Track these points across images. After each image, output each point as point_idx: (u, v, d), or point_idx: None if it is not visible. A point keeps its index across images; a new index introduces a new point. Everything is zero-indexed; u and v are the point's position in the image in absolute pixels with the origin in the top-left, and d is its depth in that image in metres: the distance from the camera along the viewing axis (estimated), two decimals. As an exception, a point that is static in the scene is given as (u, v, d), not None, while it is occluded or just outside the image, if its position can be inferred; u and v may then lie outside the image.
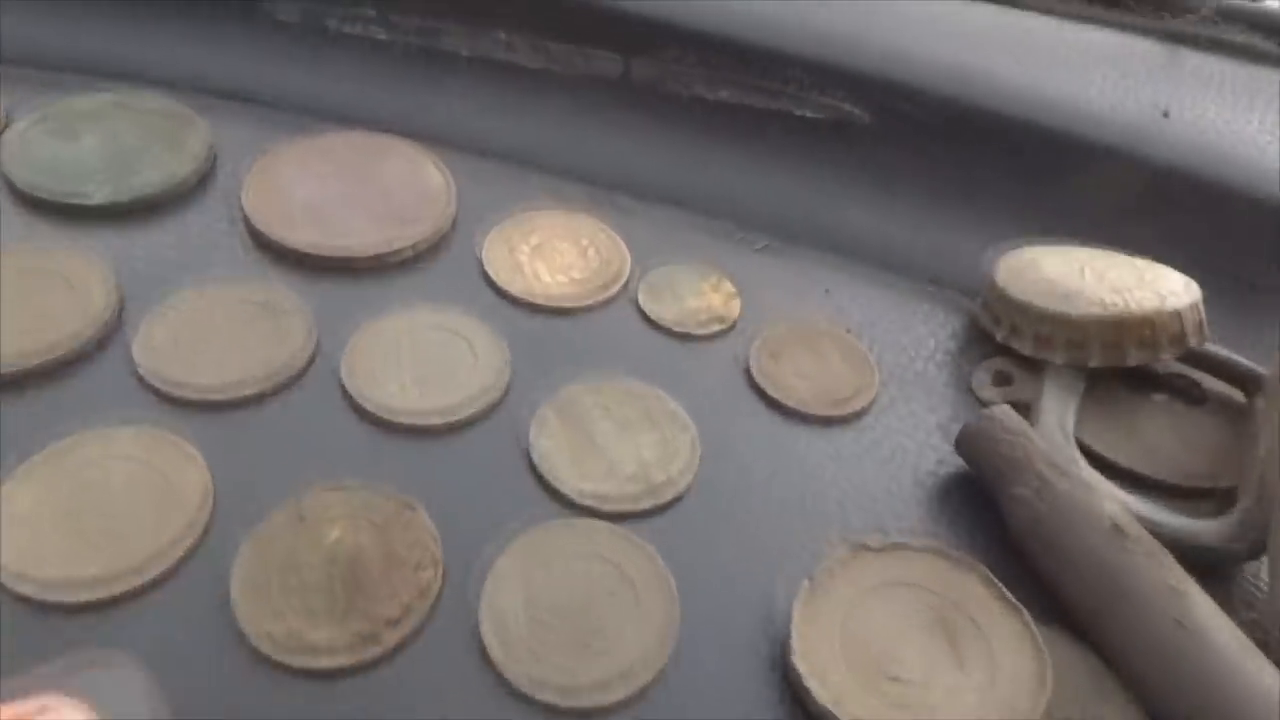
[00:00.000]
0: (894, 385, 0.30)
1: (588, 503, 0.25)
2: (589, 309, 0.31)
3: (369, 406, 0.27)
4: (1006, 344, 0.30)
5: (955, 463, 0.27)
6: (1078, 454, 0.26)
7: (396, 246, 0.31)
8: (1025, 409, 0.29)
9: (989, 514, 0.26)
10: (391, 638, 0.22)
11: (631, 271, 0.32)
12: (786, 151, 0.36)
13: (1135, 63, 0.35)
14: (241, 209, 0.31)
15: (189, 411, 0.26)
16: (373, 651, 0.22)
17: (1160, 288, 0.28)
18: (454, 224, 0.32)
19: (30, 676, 0.20)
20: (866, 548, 0.24)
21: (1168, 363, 0.29)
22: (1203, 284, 0.30)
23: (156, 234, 0.31)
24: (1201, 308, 0.29)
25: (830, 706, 0.21)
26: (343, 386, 0.27)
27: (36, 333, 0.27)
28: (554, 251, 0.32)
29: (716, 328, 0.30)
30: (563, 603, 0.23)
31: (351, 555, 0.23)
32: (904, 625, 0.23)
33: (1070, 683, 0.22)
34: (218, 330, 0.28)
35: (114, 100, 0.34)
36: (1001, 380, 0.29)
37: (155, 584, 0.22)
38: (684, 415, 0.27)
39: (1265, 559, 0.25)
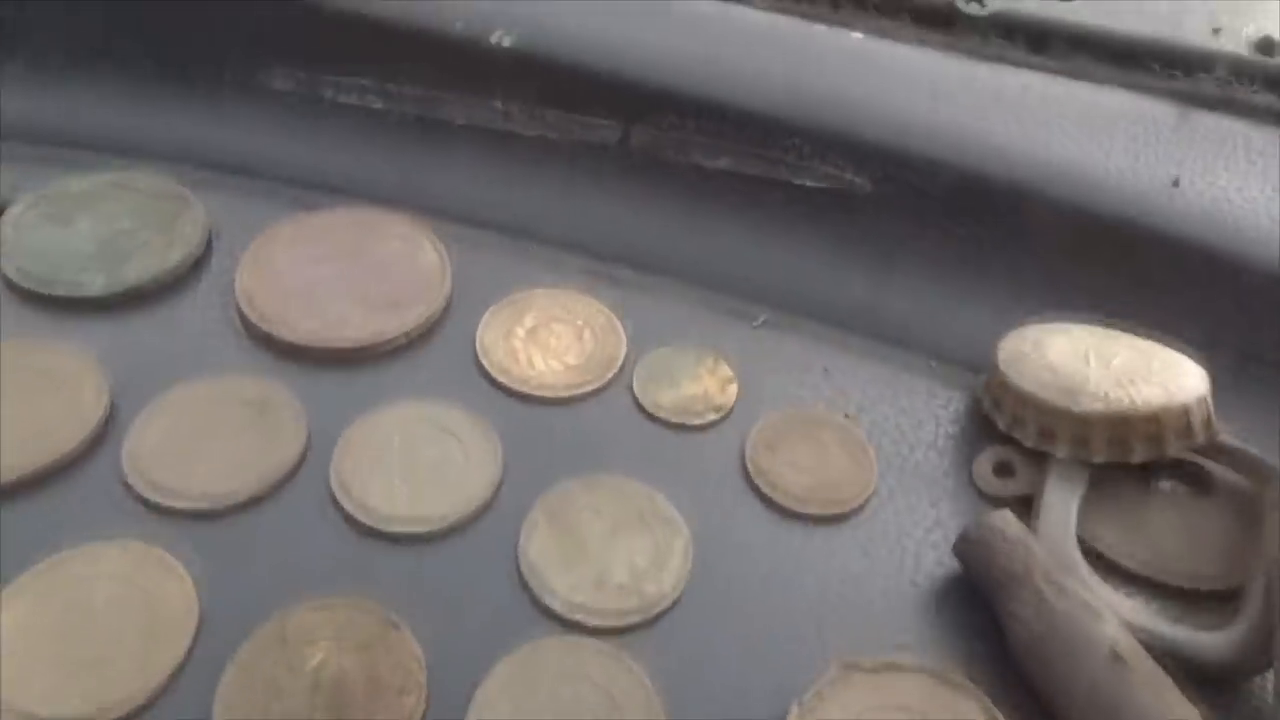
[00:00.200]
0: (893, 475, 0.29)
1: (577, 617, 0.25)
2: (584, 398, 0.30)
3: (357, 514, 0.26)
4: (1009, 433, 0.29)
5: (954, 564, 0.27)
6: (1080, 560, 0.25)
7: (390, 335, 0.30)
8: (1027, 502, 0.28)
9: (989, 622, 0.25)
10: (376, 768, 0.22)
11: (628, 355, 0.31)
12: (786, 221, 0.35)
13: (1146, 126, 0.34)
14: (235, 298, 0.31)
15: (177, 520, 0.26)
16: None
17: (1168, 379, 0.27)
18: (449, 305, 0.32)
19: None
20: (858, 668, 0.23)
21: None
22: (1212, 360, 0.30)
23: (149, 326, 0.30)
24: (1210, 401, 0.28)
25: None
26: (331, 491, 0.27)
27: (27, 440, 0.27)
28: (549, 335, 0.32)
29: (713, 417, 0.30)
30: (549, 729, 0.23)
31: (335, 680, 0.23)
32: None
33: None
34: (208, 431, 0.28)
35: (110, 181, 0.34)
36: (1003, 471, 0.29)
37: (137, 716, 0.22)
38: (677, 517, 0.27)
39: (1272, 673, 0.24)
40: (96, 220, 0.33)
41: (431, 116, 0.37)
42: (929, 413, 0.31)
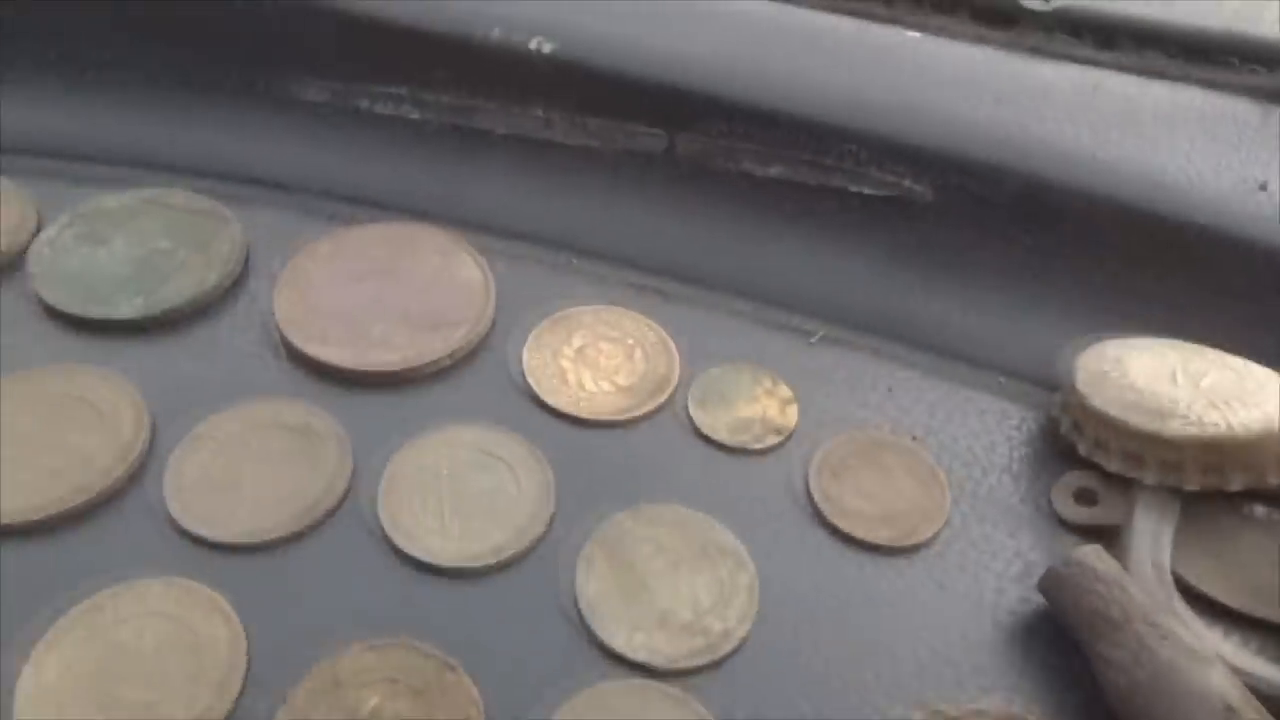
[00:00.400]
0: (966, 503, 0.27)
1: (640, 657, 0.23)
2: (636, 421, 0.29)
3: (407, 548, 0.25)
4: (1089, 458, 0.27)
5: (1038, 599, 0.25)
6: (1177, 597, 0.24)
7: (433, 357, 0.29)
8: (1112, 533, 0.26)
9: (1079, 664, 0.24)
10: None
11: (680, 374, 0.30)
12: (842, 231, 0.33)
13: (1227, 127, 0.32)
14: (273, 319, 0.30)
15: (221, 555, 0.25)
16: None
17: (1264, 400, 0.26)
18: (492, 324, 0.31)
19: None
20: (943, 715, 0.22)
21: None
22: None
23: (187, 349, 0.29)
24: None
25: None
26: (380, 524, 0.26)
27: (67, 471, 0.26)
28: (598, 354, 0.30)
29: (772, 440, 0.28)
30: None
31: (390, 729, 0.22)
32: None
33: None
34: (250, 460, 0.27)
35: (143, 198, 0.33)
36: (1085, 499, 0.27)
37: (186, 767, 0.21)
38: (740, 549, 0.26)
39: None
40: (132, 239, 0.32)
41: (469, 126, 0.36)
42: (1001, 434, 0.29)
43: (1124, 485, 0.27)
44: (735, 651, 0.24)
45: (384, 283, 0.32)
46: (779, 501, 0.27)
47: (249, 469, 0.26)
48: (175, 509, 0.25)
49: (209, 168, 0.36)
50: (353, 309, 0.31)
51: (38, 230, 0.32)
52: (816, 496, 0.27)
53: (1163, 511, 0.26)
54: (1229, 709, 0.20)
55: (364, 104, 0.36)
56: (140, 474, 0.26)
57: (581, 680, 0.23)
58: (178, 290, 0.30)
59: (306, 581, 0.25)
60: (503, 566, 0.25)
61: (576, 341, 0.31)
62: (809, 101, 0.34)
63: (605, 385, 0.30)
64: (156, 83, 0.36)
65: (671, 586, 0.25)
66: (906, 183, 0.33)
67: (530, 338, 0.31)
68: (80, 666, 0.23)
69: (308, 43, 0.36)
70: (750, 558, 0.25)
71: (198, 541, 0.25)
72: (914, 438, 0.29)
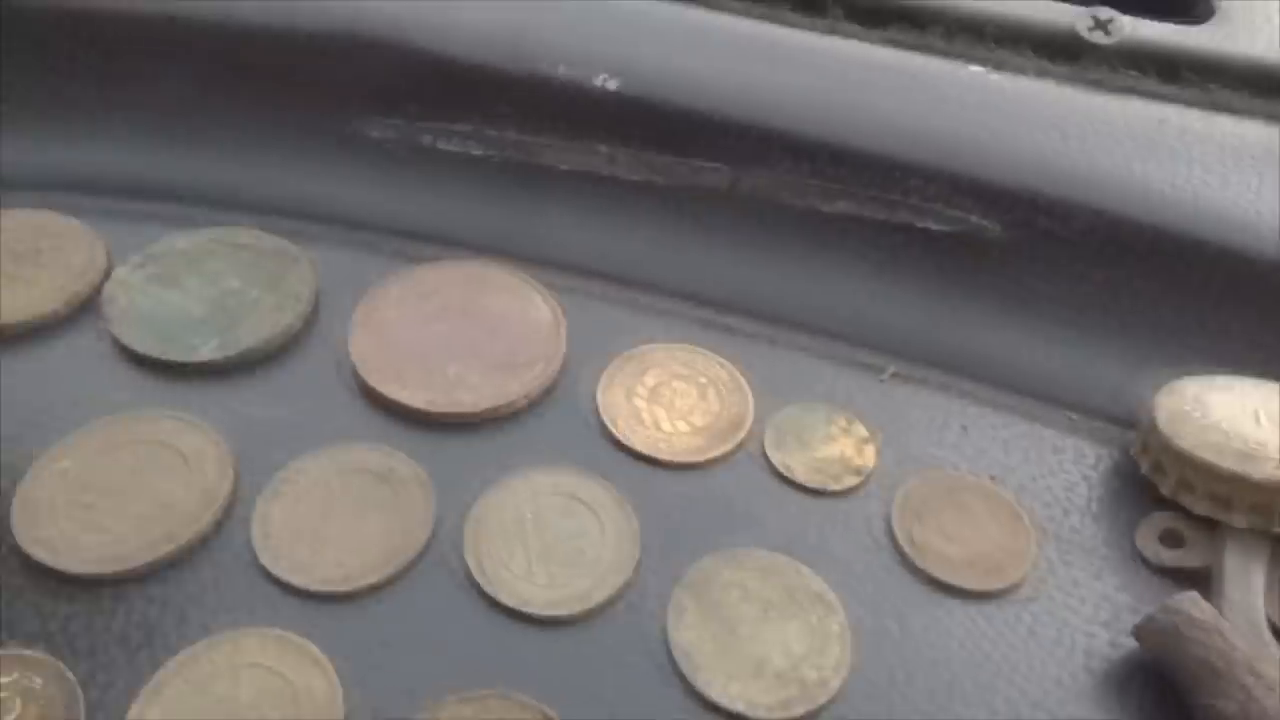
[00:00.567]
0: (1050, 545, 0.27)
1: (737, 707, 0.23)
2: (713, 462, 0.29)
3: (496, 596, 0.25)
4: (1173, 498, 0.27)
5: (1129, 644, 0.25)
6: (1275, 644, 0.24)
7: (510, 398, 0.29)
8: (1199, 575, 0.26)
9: (1179, 713, 0.24)
10: None
11: (754, 413, 0.30)
12: (909, 267, 0.33)
13: (1294, 161, 0.33)
14: (350, 361, 0.30)
15: (312, 604, 0.25)
16: None
17: (1352, 442, 0.26)
18: (564, 364, 0.31)
19: None
20: (1047, 766, 0.22)
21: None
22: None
23: (265, 392, 0.30)
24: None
25: None
26: (468, 571, 0.26)
27: (156, 520, 0.26)
28: (672, 394, 0.30)
29: (852, 481, 0.28)
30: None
31: (494, 784, 0.22)
32: None
33: None
34: (335, 505, 0.27)
35: (212, 238, 0.33)
36: (1171, 541, 0.27)
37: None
38: (829, 594, 0.26)
39: None
40: (204, 280, 0.32)
41: (533, 163, 0.36)
42: (1078, 474, 0.29)
43: (1210, 526, 0.27)
44: (831, 701, 0.24)
45: (456, 322, 0.32)
46: (862, 544, 0.27)
47: (334, 514, 0.27)
48: (265, 557, 0.25)
49: (272, 205, 0.36)
50: (427, 349, 0.31)
51: (107, 271, 0.33)
52: (900, 539, 0.27)
53: (1253, 554, 0.26)
54: (1345, 764, 0.20)
55: (428, 141, 0.36)
56: (226, 520, 0.26)
57: (679, 730, 0.23)
58: (253, 331, 0.31)
59: (397, 629, 0.25)
60: (592, 614, 0.25)
61: (650, 381, 0.31)
62: (874, 137, 0.34)
63: (681, 425, 0.30)
64: (220, 121, 0.36)
65: (763, 634, 0.25)
66: (975, 218, 0.33)
67: (603, 377, 0.31)
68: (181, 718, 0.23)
69: (372, 80, 0.36)
70: (839, 603, 0.26)
71: (288, 589, 0.25)
72: (992, 477, 0.29)
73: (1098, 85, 0.34)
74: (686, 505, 0.28)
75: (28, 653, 0.24)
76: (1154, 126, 0.34)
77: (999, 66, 0.35)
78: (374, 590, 0.25)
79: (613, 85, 0.35)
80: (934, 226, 0.33)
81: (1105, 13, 0.36)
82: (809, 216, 0.35)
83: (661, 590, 0.26)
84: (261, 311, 0.31)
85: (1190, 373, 0.30)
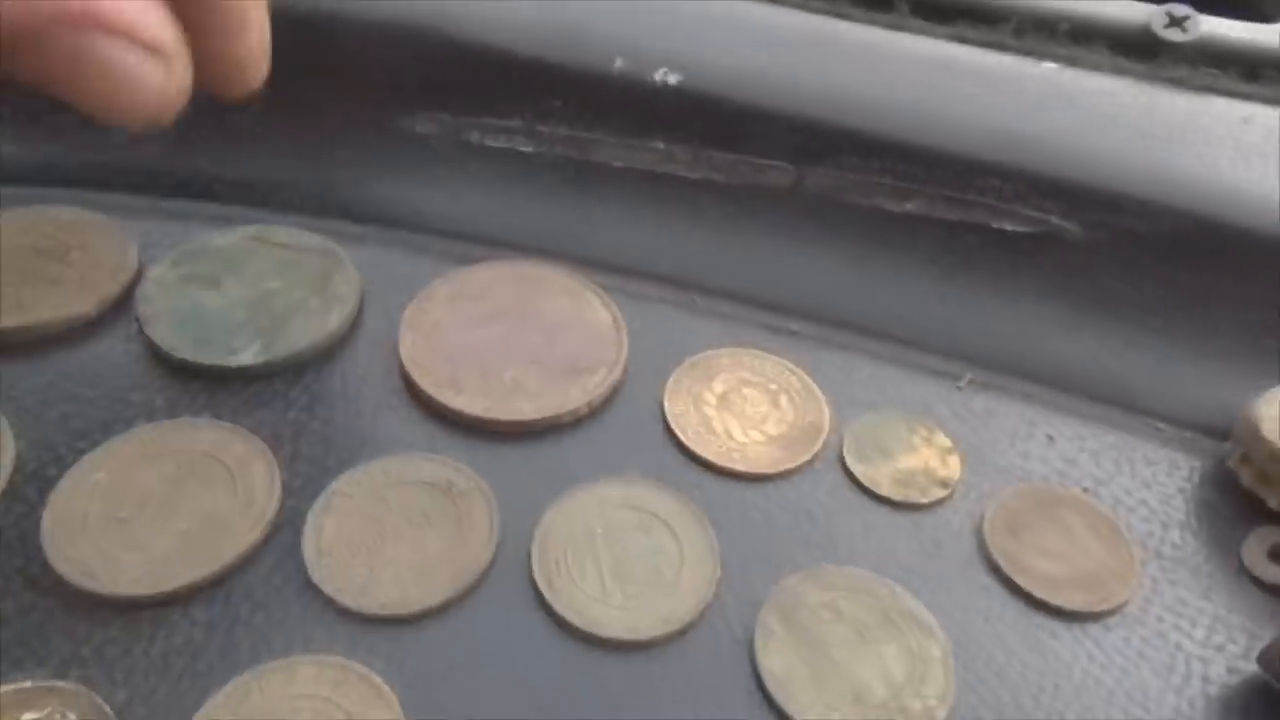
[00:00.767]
0: (1153, 563, 0.26)
1: (837, 740, 0.22)
2: (790, 474, 0.27)
3: (569, 618, 0.23)
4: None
5: (1245, 668, 0.24)
6: None
7: (572, 406, 0.28)
8: (1316, 595, 0.25)
9: (1309, 745, 0.22)
10: None
11: (830, 422, 0.29)
12: (984, 269, 0.32)
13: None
14: (400, 367, 0.29)
15: (371, 628, 0.23)
16: None
17: None
18: (626, 369, 0.30)
19: None
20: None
21: None
22: None
23: (311, 398, 0.28)
24: None
25: None
26: (537, 591, 0.24)
27: (201, 537, 0.24)
28: (743, 401, 0.29)
29: (939, 493, 0.27)
30: None
31: (582, 826, 0.20)
32: None
33: None
34: (392, 520, 0.25)
35: (250, 236, 0.31)
36: (1282, 558, 0.26)
37: None
38: (927, 616, 0.24)
39: None
40: (243, 280, 0.30)
41: (586, 160, 0.34)
42: (1173, 486, 0.28)
43: (1325, 544, 0.26)
44: (939, 732, 0.22)
45: (511, 325, 0.30)
46: (954, 561, 0.26)
47: (391, 530, 0.25)
48: (317, 576, 0.24)
49: (309, 203, 0.34)
50: (482, 354, 0.29)
51: (139, 271, 0.31)
52: (996, 555, 0.25)
53: (1377, 574, 0.24)
54: None
55: (474, 137, 0.35)
56: (275, 537, 0.25)
57: (776, 766, 0.22)
58: (298, 334, 0.29)
59: (463, 655, 0.23)
60: (672, 637, 0.23)
61: (718, 387, 0.29)
62: (948, 134, 0.32)
63: (755, 435, 0.28)
64: (254, 114, 0.35)
65: (860, 659, 0.23)
66: (1054, 219, 0.31)
67: (669, 384, 0.29)
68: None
69: (415, 73, 0.34)
70: (937, 625, 0.24)
71: (344, 612, 0.23)
72: (1084, 489, 0.28)
73: (1178, 83, 0.33)
74: (765, 520, 0.26)
75: (60, 684, 0.22)
76: (1239, 125, 0.32)
77: (1072, 64, 0.34)
78: (437, 612, 0.23)
79: (673, 80, 0.33)
80: (1010, 227, 0.32)
81: (1180, 9, 0.35)
82: (876, 216, 0.33)
83: (745, 611, 0.24)
84: (308, 313, 0.29)
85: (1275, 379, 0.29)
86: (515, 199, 0.34)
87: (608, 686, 0.23)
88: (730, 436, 0.28)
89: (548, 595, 0.24)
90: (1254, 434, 0.26)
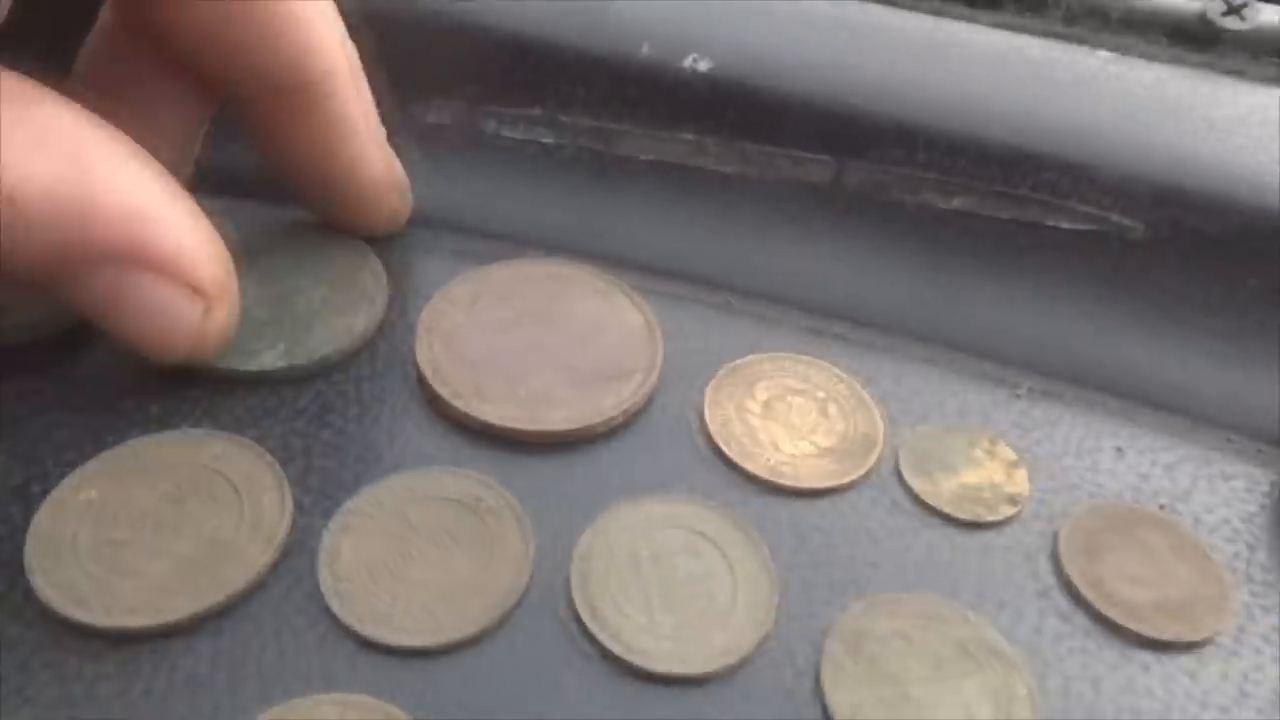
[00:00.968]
0: (1243, 587, 0.24)
1: (918, 787, 0.20)
2: (845, 489, 0.25)
3: (616, 650, 0.21)
4: (1380, 532, 0.24)
5: (1354, 702, 0.22)
6: None
7: (606, 415, 0.25)
8: None
9: None
10: None
11: (884, 433, 0.27)
12: (1039, 269, 0.30)
13: None
14: (418, 373, 0.26)
15: (396, 662, 0.21)
16: None
17: None
18: (660, 376, 0.27)
19: None
20: None
21: None
22: None
23: (324, 407, 0.25)
24: None
25: None
26: (579, 619, 0.22)
27: (206, 561, 0.21)
28: (788, 410, 0.27)
29: (1007, 511, 0.25)
30: None
31: None
32: None
33: None
34: (415, 540, 0.22)
35: (267, 230, 0.29)
36: (1384, 582, 0.24)
37: None
38: (1007, 647, 0.22)
39: None
40: (260, 276, 0.27)
41: (610, 152, 0.32)
42: (1254, 503, 0.26)
43: None
44: (1029, 778, 0.20)
45: (538, 328, 0.28)
46: (1030, 586, 0.23)
47: (416, 552, 0.22)
48: (335, 603, 0.21)
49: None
50: (507, 360, 0.27)
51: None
52: (1075, 580, 0.23)
53: None
54: None
55: (491, 127, 0.32)
56: (287, 561, 0.22)
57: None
58: (324, 337, 0.26)
59: (499, 691, 0.21)
60: (730, 671, 0.21)
61: (761, 395, 0.27)
62: (999, 125, 0.30)
63: (805, 446, 0.26)
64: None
65: (939, 696, 0.21)
66: (1115, 216, 0.30)
67: (708, 391, 0.27)
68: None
69: (428, 59, 0.32)
70: (1018, 658, 0.22)
71: (366, 644, 0.21)
72: (1161, 506, 0.26)
73: (1239, 74, 0.31)
74: (822, 539, 0.24)
75: (47, 725, 0.20)
76: (1310, 118, 0.31)
77: (1127, 53, 0.32)
78: (469, 644, 0.21)
79: (703, 66, 0.31)
80: (1066, 225, 0.30)
81: (1236, -4, 0.33)
82: (922, 213, 0.31)
83: (808, 642, 0.22)
84: (334, 311, 0.27)
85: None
86: (534, 193, 0.32)
87: (663, 730, 0.21)
88: (777, 448, 0.26)
89: (590, 624, 0.21)
90: (1342, 446, 0.25)
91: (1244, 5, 0.33)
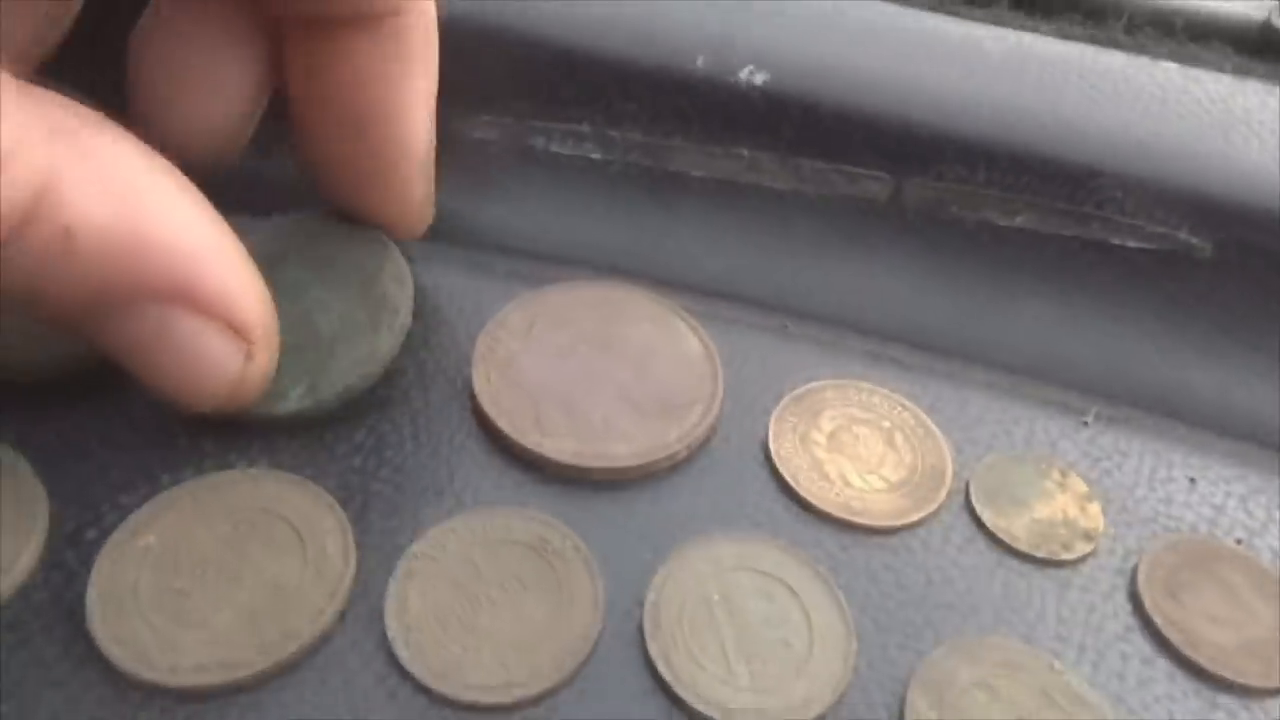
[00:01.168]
0: (1326, 626, 0.24)
1: (1011, 847, 0.19)
2: (917, 525, 0.25)
3: (695, 703, 0.20)
4: None
5: None
6: None
7: (670, 449, 0.25)
8: None
9: None
10: None
11: (952, 464, 0.26)
12: (1104, 290, 0.29)
13: None
14: (475, 405, 0.26)
15: (471, 718, 0.21)
16: None
17: None
18: (721, 406, 0.27)
19: None
20: None
21: None
22: None
23: (380, 441, 0.25)
24: None
25: None
26: (654, 670, 0.21)
27: (270, 613, 0.21)
28: (855, 441, 0.26)
29: (1083, 548, 0.24)
30: None
31: None
32: None
33: None
34: (482, 586, 0.22)
35: (279, 232, 0.28)
36: None
37: None
38: (1091, 696, 0.21)
39: None
40: (282, 297, 0.27)
41: (662, 168, 0.31)
42: (1333, 535, 0.26)
43: None
44: (1122, 835, 0.20)
45: (595, 356, 0.27)
46: (1111, 628, 0.23)
47: (484, 599, 0.22)
48: (404, 656, 0.21)
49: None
50: (565, 389, 0.26)
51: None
52: (1158, 621, 0.23)
53: None
54: None
55: (539, 143, 0.32)
56: (352, 610, 0.21)
57: None
58: (349, 366, 0.25)
59: (576, 748, 0.20)
60: (811, 724, 0.21)
61: (826, 425, 0.27)
62: (1060, 139, 0.29)
63: (875, 481, 0.25)
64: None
65: (1026, 748, 0.21)
66: (1183, 235, 0.29)
67: (771, 422, 0.26)
68: None
69: (474, 73, 0.31)
70: (1106, 706, 0.21)
71: (438, 699, 0.20)
72: (1238, 541, 0.25)
73: (1308, 85, 0.31)
74: (894, 579, 0.23)
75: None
76: (1380, 133, 0.30)
77: (1190, 63, 0.31)
78: (546, 697, 0.21)
79: (759, 80, 0.30)
80: (1132, 244, 0.29)
81: (1301, 4, 0.32)
82: (983, 231, 0.30)
83: (888, 691, 0.21)
84: (358, 332, 0.25)
85: None
86: (584, 211, 0.31)
87: (741, 783, 0.20)
88: (847, 483, 0.25)
89: (666, 675, 0.21)
90: None
91: (1311, 13, 0.32)
